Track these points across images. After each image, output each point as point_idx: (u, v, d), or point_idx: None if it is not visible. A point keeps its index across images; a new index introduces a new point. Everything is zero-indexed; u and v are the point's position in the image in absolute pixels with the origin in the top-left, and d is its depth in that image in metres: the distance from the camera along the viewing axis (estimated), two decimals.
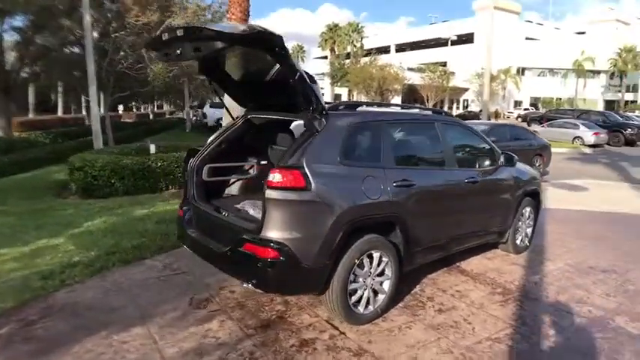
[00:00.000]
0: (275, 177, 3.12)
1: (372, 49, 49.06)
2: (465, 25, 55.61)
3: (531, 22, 63.84)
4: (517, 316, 3.94)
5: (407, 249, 3.83)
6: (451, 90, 48.87)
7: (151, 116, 30.84)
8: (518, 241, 5.41)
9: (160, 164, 8.20)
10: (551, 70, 59.28)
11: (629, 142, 23.55)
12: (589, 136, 21.19)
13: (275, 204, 3.13)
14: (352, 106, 3.99)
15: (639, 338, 3.65)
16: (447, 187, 4.26)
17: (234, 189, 4.55)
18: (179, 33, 3.10)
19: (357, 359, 3.17)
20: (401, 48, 60.65)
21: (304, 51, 64.33)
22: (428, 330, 3.62)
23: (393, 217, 3.69)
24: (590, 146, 21.03)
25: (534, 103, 57.82)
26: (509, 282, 4.68)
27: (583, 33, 61.56)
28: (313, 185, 3.16)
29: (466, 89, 54.80)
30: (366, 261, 3.56)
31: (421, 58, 53.93)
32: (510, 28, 53.72)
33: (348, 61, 46.02)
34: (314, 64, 66.25)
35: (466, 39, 53.33)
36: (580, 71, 55.90)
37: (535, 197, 5.62)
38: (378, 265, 3.65)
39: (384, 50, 47.73)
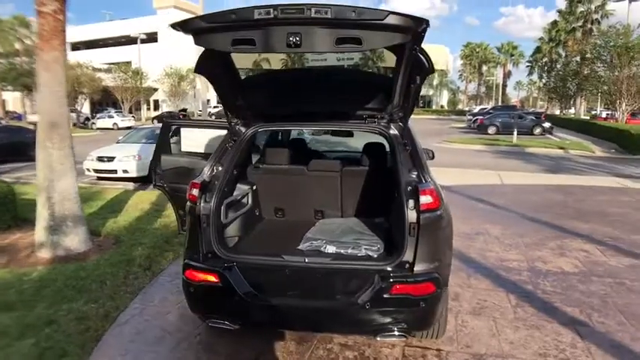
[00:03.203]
0: (427, 199, 2.66)
1: None
2: (147, 23, 53.80)
3: None
4: (507, 283, 4.60)
5: None
6: (145, 90, 46.98)
7: None
8: None
9: None
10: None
11: None
12: None
13: (427, 230, 2.68)
14: None
15: (571, 273, 4.86)
16: None
17: (232, 228, 3.41)
18: (318, 13, 2.14)
19: None
20: (76, 47, 53.63)
21: None
22: (485, 320, 3.80)
23: None
24: None
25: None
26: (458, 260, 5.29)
27: None
28: (442, 201, 2.84)
29: (155, 89, 53.57)
30: None
31: (104, 58, 49.43)
32: None
33: (19, 60, 37.68)
34: None
35: (150, 38, 51.79)
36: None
37: None
38: None
39: None
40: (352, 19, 2.22)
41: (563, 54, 45.05)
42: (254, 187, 3.70)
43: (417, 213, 2.67)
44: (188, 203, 3.00)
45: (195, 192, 2.95)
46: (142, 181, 11.24)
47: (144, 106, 52.42)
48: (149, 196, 8.76)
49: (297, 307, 2.80)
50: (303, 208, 3.89)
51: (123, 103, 42.18)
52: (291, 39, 2.29)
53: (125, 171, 11.14)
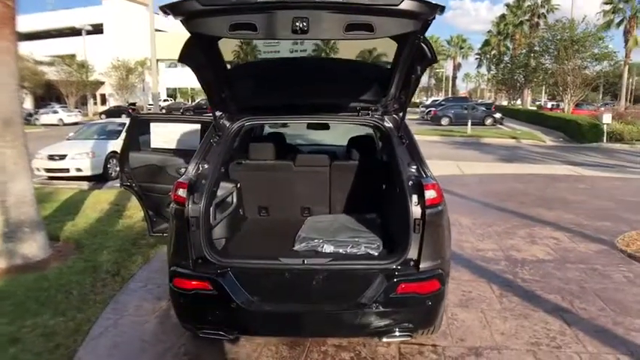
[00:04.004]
0: (431, 194, 2.58)
1: None
2: (92, 14, 51.10)
3: (157, 14, 64.90)
4: (487, 273, 4.64)
5: None
6: (91, 84, 44.86)
7: None
8: None
9: None
10: None
11: None
12: None
13: (431, 225, 2.60)
14: None
15: (546, 261, 4.98)
16: None
17: (219, 230, 3.19)
18: None
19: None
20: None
21: None
22: (473, 312, 3.80)
23: None
24: None
25: (172, 94, 59.89)
26: None
27: None
28: (443, 196, 2.77)
29: (102, 83, 51.24)
30: None
31: (46, 50, 46.59)
32: (140, 20, 52.93)
33: None
34: None
35: (95, 29, 49.30)
36: None
37: None
38: None
39: None
40: (365, 3, 2.08)
41: (511, 47, 46.77)
42: (238, 185, 3.51)
43: (421, 209, 2.59)
44: (173, 205, 2.76)
45: (181, 192, 2.72)
46: (97, 180, 10.70)
47: (90, 101, 49.99)
48: (106, 195, 8.31)
49: (299, 312, 2.65)
50: (289, 206, 3.74)
51: (68, 97, 40.04)
52: (297, 24, 2.11)
53: (78, 169, 10.54)
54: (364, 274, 2.65)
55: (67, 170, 10.54)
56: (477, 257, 5.06)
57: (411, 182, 2.68)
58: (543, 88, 36.81)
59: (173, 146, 4.36)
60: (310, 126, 4.93)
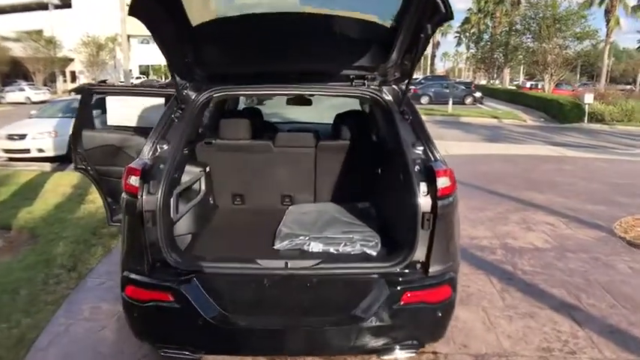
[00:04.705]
0: (444, 182, 2.14)
1: None
2: None
3: None
4: (484, 264, 4.29)
5: None
6: (60, 61, 43.01)
7: None
8: None
9: None
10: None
11: None
12: None
13: (443, 220, 2.17)
14: None
15: (545, 250, 4.67)
16: None
17: (183, 224, 2.67)
18: None
19: None
20: None
21: None
22: (475, 310, 3.43)
23: None
24: None
25: (145, 71, 57.89)
26: None
27: None
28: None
29: (72, 59, 49.19)
30: None
31: (10, 25, 44.20)
32: None
33: None
34: None
35: (63, 4, 46.96)
36: None
37: None
38: None
39: None
40: None
41: (491, 25, 46.26)
42: (207, 169, 3.00)
43: (432, 200, 2.15)
44: (124, 195, 2.24)
45: (133, 180, 2.19)
46: (61, 161, 10.00)
47: (60, 78, 47.98)
48: (69, 178, 7.66)
49: (281, 328, 2.19)
50: (268, 193, 3.26)
51: (35, 74, 38.28)
52: None
53: (40, 150, 9.85)
54: (361, 279, 2.21)
55: (28, 151, 9.84)
56: (471, 246, 4.69)
57: (417, 167, 2.23)
58: (521, 67, 36.57)
59: (134, 123, 3.81)
60: (290, 102, 4.40)
